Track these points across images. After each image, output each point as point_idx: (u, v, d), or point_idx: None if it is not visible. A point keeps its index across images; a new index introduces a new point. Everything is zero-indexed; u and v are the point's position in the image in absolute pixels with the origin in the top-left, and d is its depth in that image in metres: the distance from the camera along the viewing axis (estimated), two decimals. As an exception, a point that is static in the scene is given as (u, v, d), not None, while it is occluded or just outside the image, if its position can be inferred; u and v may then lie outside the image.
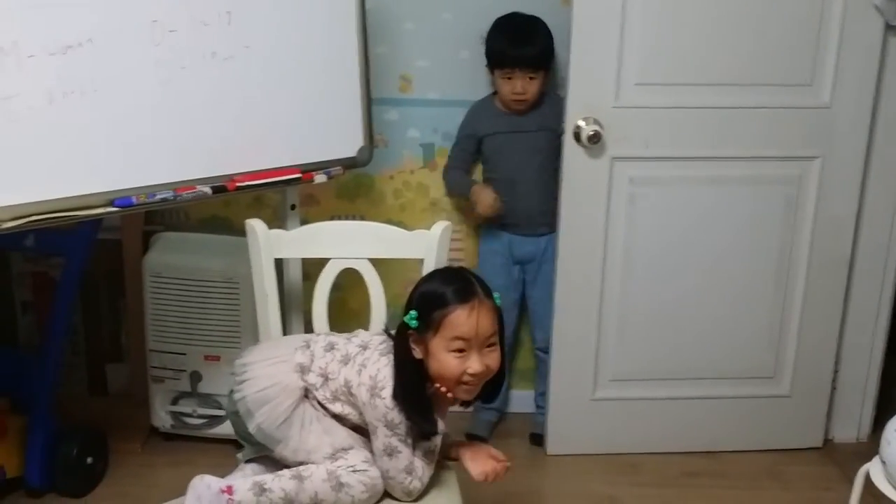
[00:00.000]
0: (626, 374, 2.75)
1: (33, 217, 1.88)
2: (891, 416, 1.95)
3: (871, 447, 2.18)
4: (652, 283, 2.67)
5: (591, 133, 2.47)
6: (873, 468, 1.95)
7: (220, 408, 2.69)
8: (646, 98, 2.51)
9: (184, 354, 2.66)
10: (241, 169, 2.17)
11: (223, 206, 2.81)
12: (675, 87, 2.52)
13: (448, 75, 2.76)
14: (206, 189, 2.11)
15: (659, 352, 2.73)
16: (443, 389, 1.76)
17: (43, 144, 1.89)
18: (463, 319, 1.71)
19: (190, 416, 2.72)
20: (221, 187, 2.14)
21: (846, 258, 2.72)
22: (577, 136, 2.50)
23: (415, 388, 1.75)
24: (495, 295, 1.78)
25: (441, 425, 1.80)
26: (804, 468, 2.76)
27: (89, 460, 2.52)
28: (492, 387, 1.82)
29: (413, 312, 1.74)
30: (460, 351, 1.71)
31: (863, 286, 2.78)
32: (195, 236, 2.75)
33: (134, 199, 2.01)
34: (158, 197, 2.05)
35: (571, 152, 2.52)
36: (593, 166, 2.54)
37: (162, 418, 2.73)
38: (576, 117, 2.49)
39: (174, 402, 2.71)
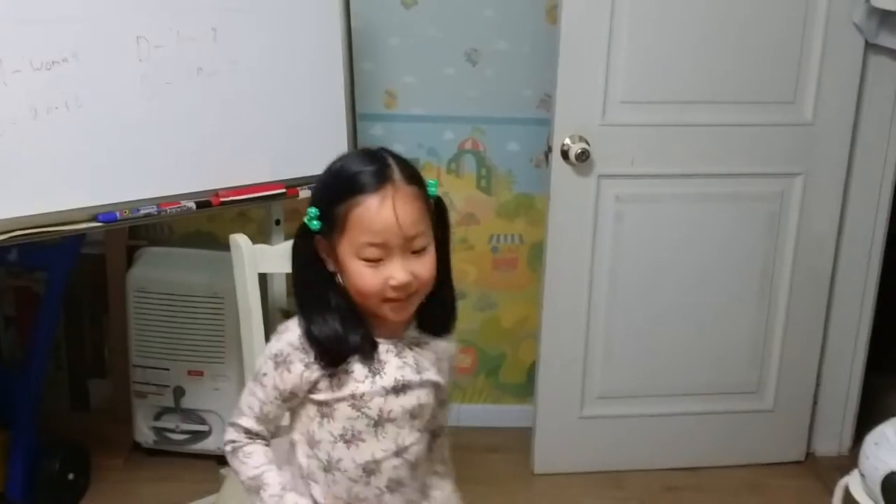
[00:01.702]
0: (614, 391, 2.76)
1: (17, 232, 1.88)
2: (871, 431, 1.97)
3: (852, 461, 2.19)
4: (638, 300, 2.69)
5: (580, 151, 2.48)
6: (852, 481, 1.97)
7: (203, 423, 2.68)
8: (632, 116, 2.53)
9: (167, 370, 2.65)
10: (226, 184, 2.17)
11: (207, 221, 2.80)
12: (661, 104, 2.54)
13: (433, 91, 2.77)
14: (191, 204, 2.12)
15: (645, 368, 2.74)
16: (364, 307, 1.38)
17: (27, 159, 1.89)
18: (372, 213, 1.31)
19: (173, 431, 2.70)
20: (206, 202, 2.14)
21: (828, 274, 2.74)
22: (564, 155, 2.51)
23: (326, 308, 1.37)
24: (430, 181, 1.40)
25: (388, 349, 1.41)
26: (786, 482, 2.77)
27: (71, 476, 2.51)
28: (440, 309, 1.45)
29: (312, 209, 1.37)
30: (374, 259, 1.33)
31: (844, 301, 2.80)
32: (179, 251, 2.74)
33: (118, 215, 2.01)
34: (142, 212, 2.05)
35: (559, 170, 2.54)
36: (580, 184, 2.56)
37: (145, 434, 2.71)
38: (563, 135, 2.51)
39: (157, 417, 2.70)
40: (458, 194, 2.85)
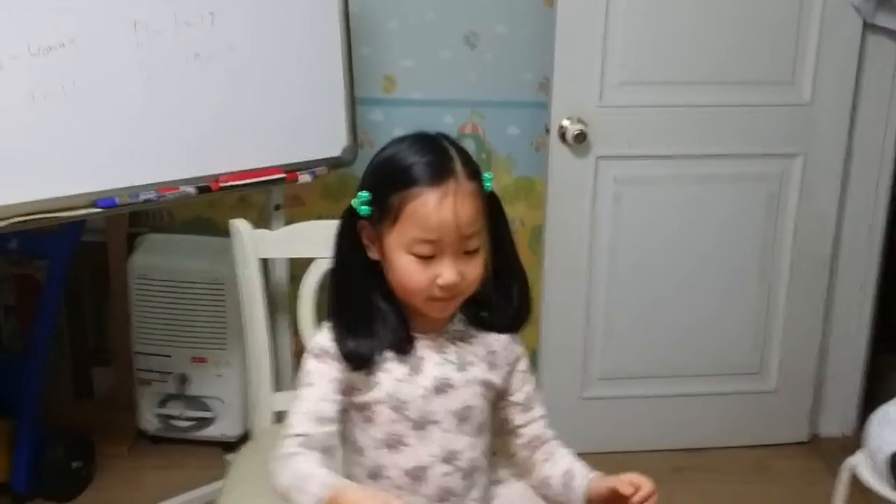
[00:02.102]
0: (615, 372, 2.76)
1: (16, 219, 1.87)
2: (875, 411, 1.96)
3: (856, 441, 2.19)
4: (638, 281, 2.68)
5: (577, 132, 2.48)
6: (858, 461, 1.96)
7: (207, 409, 2.68)
8: (629, 97, 2.53)
9: (170, 357, 2.65)
10: (225, 169, 2.17)
11: (208, 208, 2.80)
12: (658, 85, 2.54)
13: (432, 75, 2.77)
14: (191, 189, 2.11)
15: (646, 350, 2.74)
16: (407, 303, 1.32)
17: (25, 145, 1.89)
18: (430, 209, 1.23)
19: (177, 418, 2.71)
20: (205, 187, 2.14)
21: (828, 254, 2.74)
22: (562, 136, 2.51)
23: (361, 298, 1.32)
24: (486, 174, 1.31)
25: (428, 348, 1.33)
26: (790, 463, 2.78)
27: (76, 464, 2.51)
28: (505, 302, 1.36)
29: (364, 194, 1.29)
30: (425, 257, 1.26)
31: (846, 281, 2.80)
32: (180, 238, 2.75)
33: (117, 200, 2.01)
34: (142, 197, 2.04)
35: (557, 152, 2.53)
36: (578, 166, 2.55)
37: (149, 421, 2.71)
38: (561, 117, 2.50)
39: (161, 404, 2.70)
40: (459, 179, 2.84)
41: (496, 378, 1.37)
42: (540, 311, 2.69)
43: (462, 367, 1.34)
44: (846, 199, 2.72)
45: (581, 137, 2.49)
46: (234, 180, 2.17)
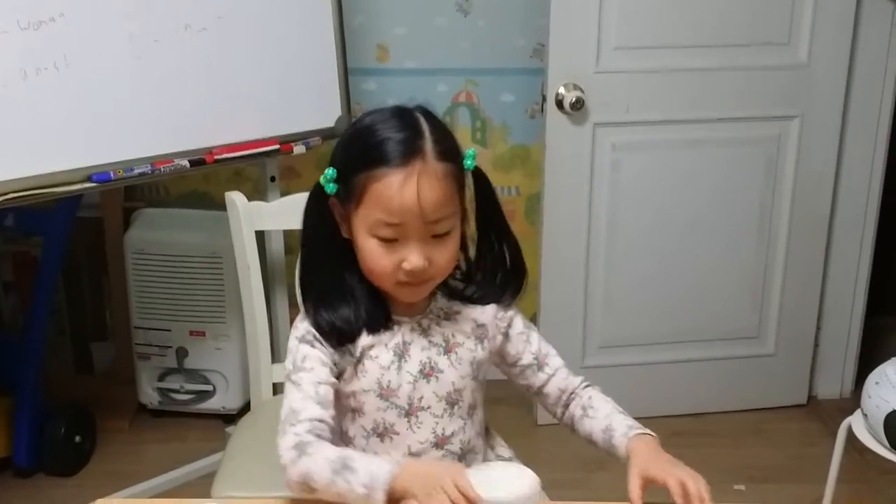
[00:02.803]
0: (615, 340, 2.76)
1: (10, 195, 1.87)
2: (872, 372, 1.97)
3: (854, 402, 2.20)
4: (636, 248, 2.68)
5: (574, 99, 2.46)
6: (855, 422, 1.97)
7: (206, 383, 2.69)
8: (625, 62, 2.51)
9: (169, 331, 2.66)
10: (219, 142, 2.16)
11: (203, 181, 2.79)
12: (654, 49, 2.52)
13: (425, 43, 2.75)
14: (184, 162, 2.10)
15: (646, 316, 2.75)
16: (377, 286, 1.26)
17: (17, 121, 1.88)
18: (392, 192, 1.17)
19: (177, 392, 2.72)
20: (200, 160, 2.13)
21: (826, 216, 2.74)
22: (559, 104, 2.49)
23: (333, 277, 1.27)
24: (468, 151, 1.25)
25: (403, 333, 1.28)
26: (788, 425, 2.79)
27: (77, 439, 2.52)
28: (499, 272, 1.33)
29: (330, 171, 1.23)
30: (390, 240, 1.20)
31: (843, 243, 2.80)
32: (176, 212, 2.74)
33: (112, 174, 2.00)
34: (136, 171, 2.04)
35: (554, 120, 2.52)
36: (576, 133, 2.54)
37: (149, 395, 2.73)
38: (557, 84, 2.49)
39: (161, 378, 2.71)
40: (454, 148, 2.83)
41: (486, 353, 1.33)
42: (538, 280, 2.69)
43: (448, 349, 1.31)
44: (843, 160, 2.71)
45: (578, 104, 2.47)
46: (228, 152, 2.16)
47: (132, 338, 2.70)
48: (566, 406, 1.42)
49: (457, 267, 1.33)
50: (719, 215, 2.69)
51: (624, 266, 2.70)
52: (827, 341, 2.90)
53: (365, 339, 1.28)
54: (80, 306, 2.91)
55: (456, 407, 1.31)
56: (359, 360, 1.27)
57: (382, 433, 1.29)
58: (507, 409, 2.84)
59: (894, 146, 2.75)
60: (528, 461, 2.69)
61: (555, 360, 1.41)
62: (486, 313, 1.34)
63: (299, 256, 1.32)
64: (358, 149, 1.22)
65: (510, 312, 1.37)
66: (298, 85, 2.29)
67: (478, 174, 1.28)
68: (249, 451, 1.82)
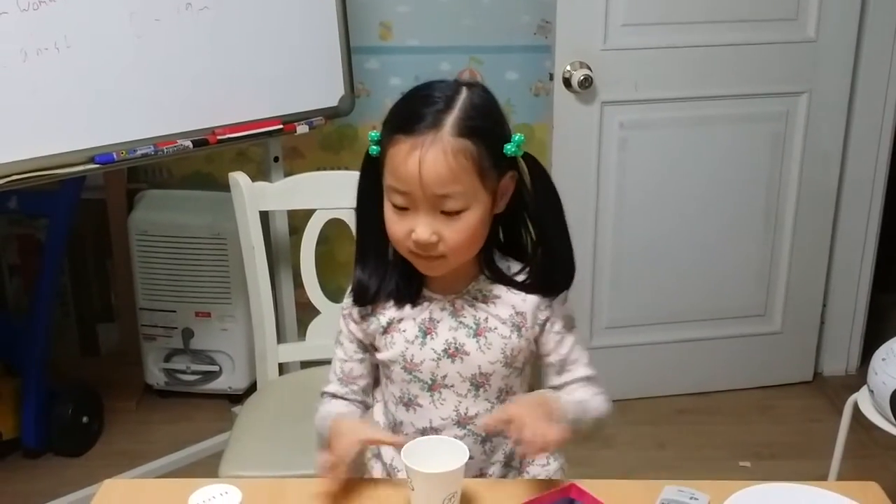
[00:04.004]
0: (622, 320, 2.76)
1: (13, 177, 1.86)
2: (878, 348, 1.97)
3: (859, 379, 2.20)
4: (644, 227, 2.67)
5: (582, 78, 2.44)
6: (861, 398, 1.97)
7: (212, 363, 2.70)
8: (633, 39, 2.49)
9: (174, 312, 2.66)
10: (222, 122, 2.15)
11: (206, 163, 2.78)
12: (662, 26, 2.50)
13: (428, 21, 2.72)
14: (187, 143, 2.10)
15: (653, 296, 2.74)
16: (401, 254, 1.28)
17: (19, 103, 1.87)
18: (400, 159, 1.19)
19: (183, 372, 2.73)
20: (202, 140, 2.12)
21: (833, 193, 2.72)
22: (567, 83, 2.48)
23: (377, 241, 1.30)
24: (515, 136, 1.23)
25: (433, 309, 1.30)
26: (794, 402, 2.79)
27: (85, 420, 2.54)
28: (548, 266, 1.31)
29: (373, 133, 1.27)
30: (402, 207, 1.22)
31: (850, 220, 2.78)
32: (180, 193, 2.74)
33: (115, 156, 1.99)
34: (139, 152, 2.03)
35: (562, 99, 2.50)
36: (584, 112, 2.52)
37: (156, 376, 2.73)
38: (564, 62, 2.47)
39: (167, 359, 2.72)
40: (458, 126, 2.81)
41: (523, 341, 1.31)
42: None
43: (479, 332, 1.29)
44: (850, 136, 2.69)
45: (587, 83, 2.45)
46: (231, 133, 2.15)
47: (138, 319, 2.70)
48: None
49: (502, 248, 1.32)
50: (727, 193, 2.67)
51: (631, 245, 2.69)
52: (833, 318, 2.89)
53: (393, 312, 1.31)
54: (86, 288, 2.92)
55: (482, 390, 1.31)
56: (385, 331, 1.31)
57: (408, 403, 1.33)
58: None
59: (902, 122, 2.73)
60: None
61: (580, 370, 1.36)
62: (528, 302, 1.31)
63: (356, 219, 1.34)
64: (394, 111, 1.25)
65: (555, 308, 1.33)
66: (301, 64, 2.27)
67: (530, 161, 1.26)
68: (256, 430, 1.82)
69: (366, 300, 1.31)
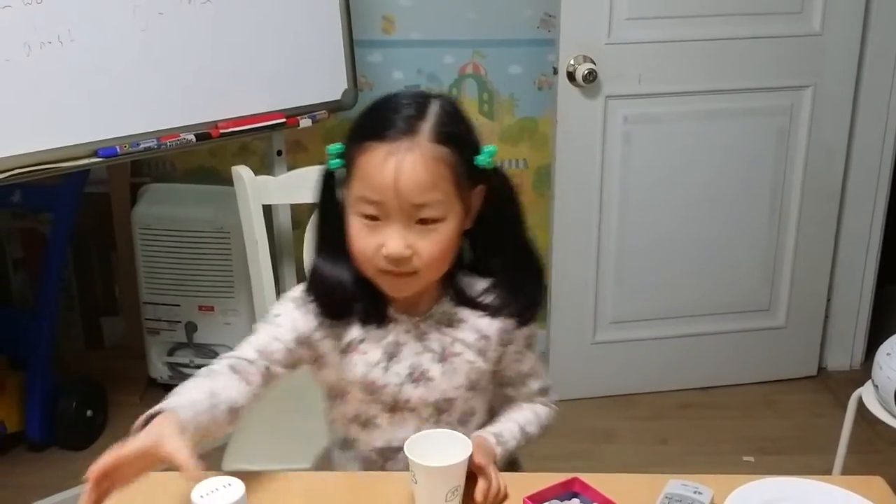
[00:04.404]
0: (626, 315, 2.76)
1: (16, 170, 1.87)
2: (883, 343, 1.96)
3: (863, 374, 2.20)
4: (648, 222, 2.67)
5: (586, 72, 2.44)
6: (866, 393, 1.97)
7: (216, 357, 2.69)
8: (637, 33, 2.48)
9: (178, 306, 2.66)
10: (225, 115, 2.15)
11: (209, 156, 2.78)
12: (666, 20, 2.49)
13: (431, 14, 2.72)
14: (191, 136, 2.10)
15: (657, 291, 2.74)
16: (364, 273, 1.20)
17: (22, 97, 1.87)
18: (373, 166, 1.13)
19: (187, 366, 2.72)
20: (205, 134, 2.12)
21: (838, 187, 2.72)
22: (570, 77, 2.47)
23: (341, 261, 1.21)
24: (487, 148, 1.19)
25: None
26: (798, 397, 2.79)
27: (89, 413, 2.54)
28: (511, 292, 1.24)
29: (335, 145, 1.21)
30: (371, 219, 1.15)
31: (855, 215, 2.78)
32: (183, 187, 2.74)
33: (118, 149, 2.00)
34: (143, 146, 2.03)
35: (565, 93, 2.49)
36: (588, 106, 2.52)
37: (159, 369, 2.74)
38: (569, 56, 2.46)
39: (171, 353, 2.72)
40: (462, 120, 2.81)
41: (487, 364, 1.27)
42: (550, 255, 2.67)
43: (444, 357, 1.25)
44: (855, 130, 2.68)
45: (591, 77, 2.44)
46: (234, 126, 2.15)
47: (141, 313, 2.70)
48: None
49: (466, 268, 1.26)
50: (731, 187, 2.67)
51: (635, 240, 2.68)
52: (837, 313, 2.89)
53: (356, 332, 1.24)
54: (90, 282, 2.92)
55: (445, 415, 1.27)
56: (344, 351, 1.24)
57: (364, 423, 1.27)
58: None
59: (907, 116, 2.72)
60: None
61: (534, 384, 1.35)
62: (494, 325, 1.27)
63: (315, 229, 1.28)
64: (361, 121, 1.20)
65: (518, 333, 1.29)
66: (304, 57, 2.27)
67: (499, 175, 1.22)
68: (259, 424, 1.82)
69: (338, 311, 1.23)
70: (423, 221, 1.15)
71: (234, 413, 1.19)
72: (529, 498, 1.18)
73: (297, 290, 1.26)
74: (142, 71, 2.02)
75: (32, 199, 2.43)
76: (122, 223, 2.73)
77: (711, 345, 2.81)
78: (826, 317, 2.87)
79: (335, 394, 1.28)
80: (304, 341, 1.24)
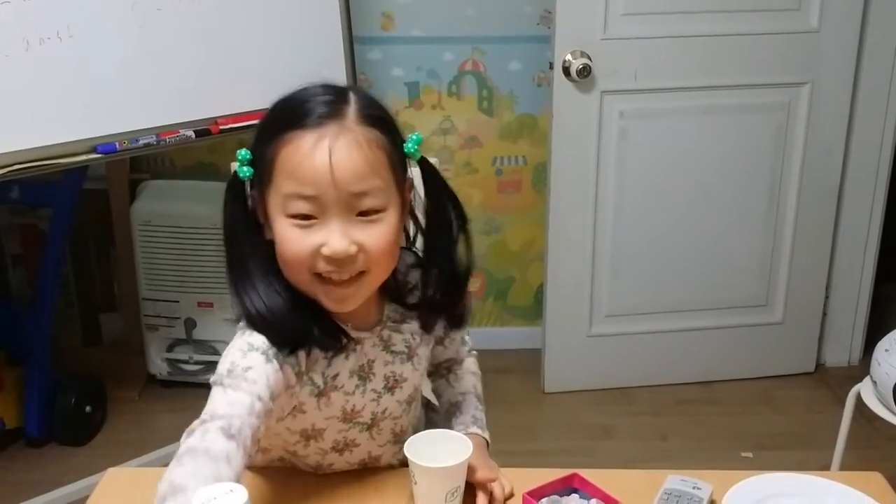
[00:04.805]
0: (622, 309, 2.76)
1: (15, 166, 1.86)
2: (881, 340, 1.97)
3: (861, 370, 2.21)
4: (644, 216, 2.67)
5: (581, 67, 2.44)
6: (864, 389, 1.98)
7: (215, 353, 2.70)
8: (633, 28, 2.48)
9: (177, 302, 2.66)
10: (224, 112, 2.15)
11: (208, 153, 2.78)
12: (662, 15, 2.49)
13: (431, 11, 2.72)
14: (190, 133, 2.10)
15: (654, 285, 2.74)
16: (300, 289, 1.08)
17: (21, 92, 1.87)
18: (302, 155, 1.01)
19: (186, 362, 2.73)
20: (205, 130, 2.12)
21: (836, 184, 2.72)
22: (566, 72, 2.47)
23: (266, 283, 1.07)
24: (412, 136, 1.10)
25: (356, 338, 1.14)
26: (796, 393, 2.79)
27: (88, 409, 2.54)
28: (442, 298, 1.18)
29: (243, 151, 1.07)
30: (306, 218, 1.03)
31: (853, 211, 2.78)
32: (182, 183, 2.74)
33: (117, 145, 1.99)
34: (142, 142, 2.03)
35: (561, 88, 2.50)
36: (583, 101, 2.52)
37: (158, 366, 2.74)
38: (564, 51, 2.46)
39: (170, 349, 2.72)
40: (460, 117, 2.81)
41: (432, 337, 1.26)
42: (546, 249, 2.68)
43: (411, 354, 1.21)
44: (853, 127, 2.68)
45: (586, 72, 2.45)
46: (233, 122, 2.16)
47: (140, 309, 2.70)
48: (446, 372, 1.37)
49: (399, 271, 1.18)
50: (728, 183, 2.67)
51: (631, 234, 2.68)
52: (835, 309, 2.89)
53: (324, 367, 1.13)
54: (88, 278, 2.92)
55: (413, 404, 1.27)
56: (321, 394, 1.14)
57: (342, 449, 1.22)
58: (515, 378, 2.86)
59: (905, 112, 2.72)
60: (535, 429, 2.74)
61: (456, 332, 1.32)
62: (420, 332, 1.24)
63: (226, 267, 1.12)
64: (273, 117, 1.08)
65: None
66: (303, 54, 2.27)
67: (425, 165, 1.13)
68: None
69: (298, 343, 1.09)
70: (363, 214, 1.04)
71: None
72: (529, 494, 1.18)
73: (258, 340, 1.08)
74: (140, 67, 2.02)
75: (31, 195, 2.43)
76: (121, 219, 2.73)
77: (709, 339, 2.81)
78: (824, 313, 2.87)
79: (309, 435, 1.19)
80: (278, 396, 1.08)
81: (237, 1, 2.13)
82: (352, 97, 1.07)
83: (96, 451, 2.51)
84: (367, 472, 1.27)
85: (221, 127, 2.14)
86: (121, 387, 2.70)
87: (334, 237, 1.02)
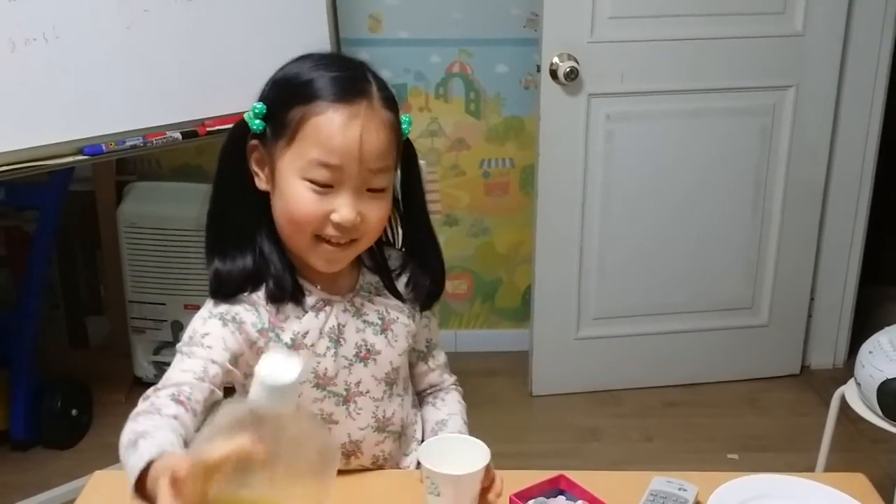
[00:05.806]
0: (609, 311, 2.77)
1: (1, 168, 1.85)
2: (865, 341, 1.98)
3: (846, 372, 2.21)
4: (631, 219, 2.68)
5: (568, 70, 2.45)
6: (848, 391, 1.99)
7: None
8: (620, 32, 2.49)
9: (164, 304, 2.65)
10: (212, 113, 2.14)
11: (196, 154, 2.77)
12: (649, 19, 2.51)
13: (418, 13, 2.72)
14: (177, 134, 2.09)
15: (640, 288, 2.75)
16: (291, 244, 1.15)
17: (7, 94, 1.86)
18: (334, 128, 1.08)
19: (173, 365, 2.72)
20: (192, 132, 2.11)
21: (821, 186, 2.74)
22: (553, 74, 2.48)
23: (242, 232, 1.15)
24: (404, 116, 1.17)
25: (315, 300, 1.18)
26: (782, 395, 2.81)
27: (74, 412, 2.53)
28: (423, 278, 1.24)
29: (259, 105, 1.14)
30: (323, 185, 1.10)
31: (838, 214, 2.80)
32: (169, 185, 2.73)
33: (103, 147, 1.98)
34: (128, 144, 2.02)
35: (548, 91, 2.50)
36: (570, 104, 2.53)
37: (145, 368, 2.73)
38: (551, 54, 2.47)
39: (156, 352, 2.71)
40: (447, 119, 2.82)
41: (414, 324, 1.26)
42: (533, 252, 2.69)
43: (385, 326, 1.23)
44: (838, 130, 2.70)
45: (572, 74, 2.46)
46: (220, 124, 2.15)
47: (127, 311, 2.69)
48: (430, 396, 1.38)
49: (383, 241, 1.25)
50: (714, 185, 2.68)
51: (618, 237, 2.69)
52: (820, 311, 2.91)
53: (296, 325, 1.17)
54: (74, 281, 2.91)
55: (394, 387, 1.26)
56: (291, 350, 1.16)
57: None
58: (503, 380, 2.87)
59: (888, 117, 2.74)
60: (522, 431, 2.74)
61: (439, 356, 1.36)
62: (402, 283, 1.27)
63: (209, 204, 1.18)
64: (294, 83, 1.13)
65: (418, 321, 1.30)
66: (291, 55, 2.24)
67: (409, 146, 1.20)
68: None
69: (229, 292, 1.15)
70: (372, 189, 1.12)
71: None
72: (516, 495, 1.18)
73: (220, 308, 1.16)
74: (127, 68, 2.01)
75: (16, 197, 2.42)
76: (107, 221, 2.72)
77: (694, 342, 2.82)
78: (809, 315, 2.89)
79: None
80: (241, 354, 1.15)
81: (225, 2, 2.13)
82: (370, 76, 1.14)
83: (83, 454, 2.49)
84: (375, 474, 1.27)
85: (208, 128, 2.13)
86: (107, 389, 2.69)
87: (346, 209, 1.10)
